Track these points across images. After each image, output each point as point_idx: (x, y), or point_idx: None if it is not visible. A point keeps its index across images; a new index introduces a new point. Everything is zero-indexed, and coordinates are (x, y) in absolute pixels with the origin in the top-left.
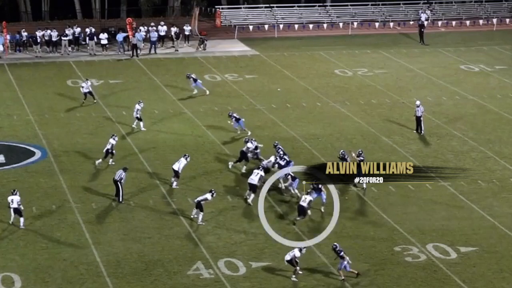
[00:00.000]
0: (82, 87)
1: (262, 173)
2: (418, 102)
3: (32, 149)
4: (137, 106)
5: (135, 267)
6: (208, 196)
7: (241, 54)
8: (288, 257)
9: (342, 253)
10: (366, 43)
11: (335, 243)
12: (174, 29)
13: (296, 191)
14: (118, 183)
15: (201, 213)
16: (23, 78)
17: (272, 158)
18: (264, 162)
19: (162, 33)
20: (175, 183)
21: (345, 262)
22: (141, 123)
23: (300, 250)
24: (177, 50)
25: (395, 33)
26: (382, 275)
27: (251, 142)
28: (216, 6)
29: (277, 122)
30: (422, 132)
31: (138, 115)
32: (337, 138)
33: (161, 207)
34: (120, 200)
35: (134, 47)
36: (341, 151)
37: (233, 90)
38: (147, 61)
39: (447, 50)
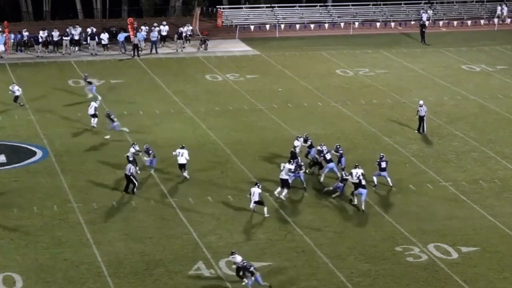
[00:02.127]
0: (11, 90)
1: (289, 166)
2: (421, 102)
3: (33, 149)
4: (94, 104)
5: (136, 267)
6: (257, 190)
7: (242, 54)
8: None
9: (252, 268)
10: (367, 43)
11: (245, 261)
12: (183, 29)
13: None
14: (131, 177)
15: (264, 207)
16: (24, 78)
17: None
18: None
19: (164, 33)
20: (185, 173)
21: (253, 278)
22: (95, 120)
23: (232, 254)
24: (182, 50)
25: (396, 33)
26: (383, 275)
27: (298, 140)
28: (218, 6)
29: (278, 122)
30: (424, 132)
31: (95, 112)
32: (338, 138)
33: (162, 207)
34: (134, 191)
35: (135, 47)
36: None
37: (234, 90)
38: (149, 61)
39: (448, 50)
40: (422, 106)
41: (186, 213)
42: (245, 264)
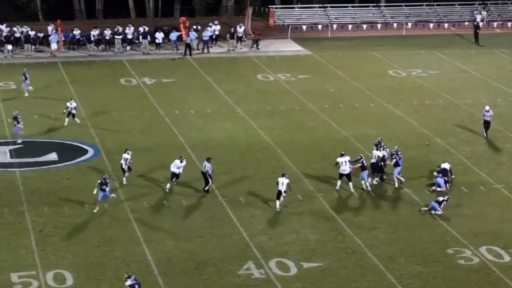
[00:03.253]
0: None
1: (379, 153)
2: (487, 108)
3: (85, 147)
4: (68, 105)
5: (186, 266)
6: (286, 180)
7: (294, 54)
8: None
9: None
10: (420, 43)
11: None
12: (240, 29)
13: (368, 183)
14: (206, 174)
15: (280, 200)
16: (76, 76)
17: (386, 152)
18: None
19: (217, 32)
20: (168, 185)
21: None
22: (67, 119)
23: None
24: (234, 50)
25: (450, 34)
26: (435, 277)
27: (380, 142)
28: (270, 6)
29: (329, 122)
30: (486, 135)
31: (73, 112)
32: (389, 138)
33: (212, 206)
34: (207, 189)
35: (188, 46)
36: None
37: (286, 90)
38: (200, 60)
39: (502, 51)
40: (488, 112)
41: (237, 213)
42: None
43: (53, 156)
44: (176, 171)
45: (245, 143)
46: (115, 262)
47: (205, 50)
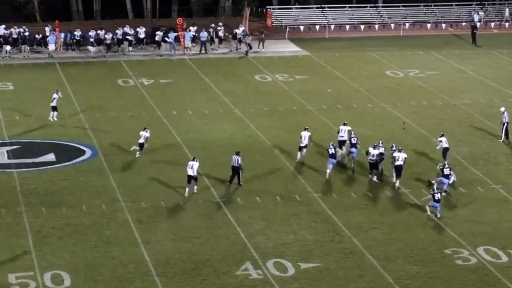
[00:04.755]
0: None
1: (349, 128)
2: (502, 109)
3: (82, 147)
4: (55, 96)
5: (184, 267)
6: (307, 133)
7: (292, 55)
8: None
9: None
10: (418, 44)
11: None
12: (238, 30)
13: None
14: (239, 169)
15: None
16: (74, 77)
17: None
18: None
19: (220, 34)
20: (195, 187)
21: None
22: (55, 113)
23: None
24: (237, 51)
25: (447, 34)
26: (432, 277)
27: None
28: (267, 6)
29: (327, 123)
30: (502, 138)
31: (55, 105)
32: (387, 139)
33: (210, 207)
34: (240, 183)
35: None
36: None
37: (283, 90)
38: (198, 61)
39: (500, 51)
40: (503, 113)
41: (234, 213)
42: None
43: (50, 157)
44: (191, 172)
45: (243, 144)
46: (113, 263)
47: (203, 51)
